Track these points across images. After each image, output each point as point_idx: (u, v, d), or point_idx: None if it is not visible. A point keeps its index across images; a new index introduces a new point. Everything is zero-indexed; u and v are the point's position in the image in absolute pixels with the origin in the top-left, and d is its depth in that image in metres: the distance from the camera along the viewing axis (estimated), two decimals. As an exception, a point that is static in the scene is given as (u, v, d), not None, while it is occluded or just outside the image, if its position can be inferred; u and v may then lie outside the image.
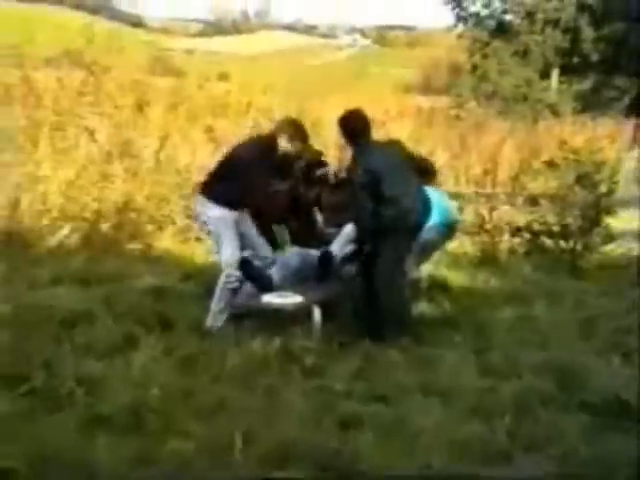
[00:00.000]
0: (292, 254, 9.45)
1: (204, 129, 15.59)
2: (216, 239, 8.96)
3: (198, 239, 12.60)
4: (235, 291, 8.82)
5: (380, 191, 8.50)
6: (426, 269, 10.59)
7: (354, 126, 8.93)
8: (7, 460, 5.46)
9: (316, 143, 10.84)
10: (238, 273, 8.76)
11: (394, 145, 9.13)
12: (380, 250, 8.65)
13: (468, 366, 7.85)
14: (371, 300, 8.68)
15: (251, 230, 9.07)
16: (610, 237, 12.69)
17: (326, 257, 9.26)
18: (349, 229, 9.38)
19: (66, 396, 6.61)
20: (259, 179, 8.68)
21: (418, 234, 8.88)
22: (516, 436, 6.27)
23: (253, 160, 8.69)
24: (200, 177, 13.37)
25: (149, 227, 12.84)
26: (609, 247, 12.76)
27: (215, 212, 8.80)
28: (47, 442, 5.72)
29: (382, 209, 8.50)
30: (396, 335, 8.31)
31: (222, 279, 8.77)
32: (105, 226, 12.49)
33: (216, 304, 8.77)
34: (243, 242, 8.92)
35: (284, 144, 8.80)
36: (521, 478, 4.98)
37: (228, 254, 8.78)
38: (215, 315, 8.76)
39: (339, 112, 9.04)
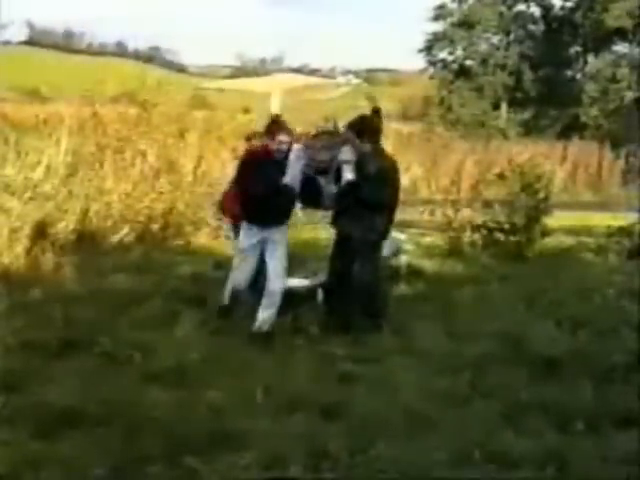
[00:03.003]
0: None
1: (231, 150, 15.55)
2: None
3: (227, 237, 12.59)
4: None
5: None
6: (405, 259, 10.58)
7: (375, 127, 8.19)
8: (83, 403, 5.55)
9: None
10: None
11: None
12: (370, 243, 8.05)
13: (438, 333, 7.87)
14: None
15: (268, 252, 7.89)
16: (547, 232, 12.73)
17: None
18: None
19: (126, 357, 6.65)
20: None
21: None
22: (475, 386, 6.30)
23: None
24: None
25: (188, 228, 12.84)
26: (546, 240, 12.79)
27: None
28: (112, 392, 5.78)
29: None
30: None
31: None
32: (154, 227, 12.51)
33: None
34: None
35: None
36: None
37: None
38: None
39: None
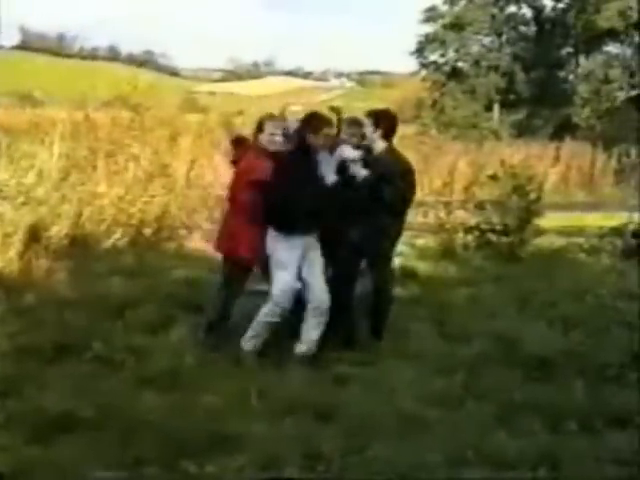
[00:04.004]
0: None
1: (224, 153, 15.56)
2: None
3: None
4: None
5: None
6: (398, 261, 10.57)
7: (393, 123, 7.64)
8: (78, 408, 5.51)
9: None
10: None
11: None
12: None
13: (431, 334, 7.88)
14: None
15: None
16: (539, 233, 12.76)
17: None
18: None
19: (120, 361, 6.64)
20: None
21: None
22: (468, 387, 6.32)
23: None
24: (221, 192, 13.50)
25: (182, 231, 12.84)
26: (538, 240, 12.82)
27: None
28: (107, 396, 5.76)
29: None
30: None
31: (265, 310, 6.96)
32: (148, 231, 12.49)
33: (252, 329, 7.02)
34: None
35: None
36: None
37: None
38: (248, 339, 7.02)
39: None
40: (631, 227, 13.23)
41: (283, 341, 7.15)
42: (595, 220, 16.13)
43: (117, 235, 11.93)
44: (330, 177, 6.88)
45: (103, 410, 5.50)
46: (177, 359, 6.65)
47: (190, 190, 13.87)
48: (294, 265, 6.83)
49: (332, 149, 7.25)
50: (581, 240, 13.68)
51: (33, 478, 4.67)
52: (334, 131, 7.12)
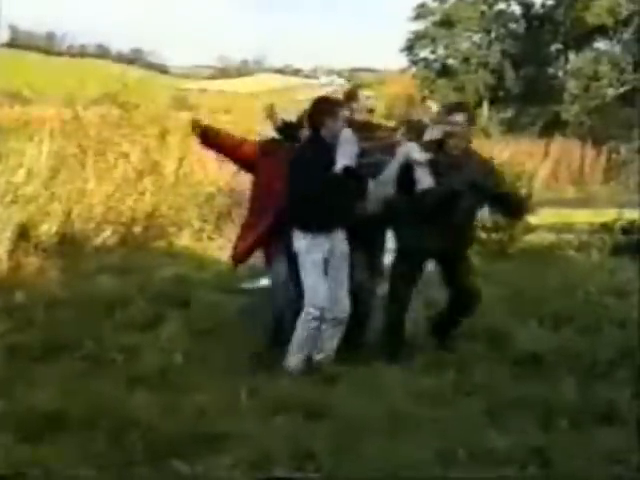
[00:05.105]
0: None
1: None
2: None
3: (210, 238, 12.60)
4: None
5: None
6: (389, 258, 10.53)
7: None
8: (67, 407, 5.48)
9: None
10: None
11: None
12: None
13: (421, 331, 7.86)
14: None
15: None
16: (529, 229, 12.75)
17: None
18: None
19: (110, 360, 6.63)
20: None
21: None
22: (458, 385, 6.31)
23: None
24: (211, 189, 13.47)
25: (171, 229, 12.80)
26: (528, 237, 12.82)
27: None
28: (97, 395, 5.72)
29: None
30: None
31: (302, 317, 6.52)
32: (137, 229, 12.48)
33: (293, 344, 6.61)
34: None
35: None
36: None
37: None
38: (293, 355, 6.63)
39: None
40: (621, 223, 13.25)
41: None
42: (585, 216, 16.15)
43: (107, 233, 11.91)
44: (347, 162, 6.28)
45: (93, 409, 5.47)
46: (167, 357, 6.64)
47: (180, 188, 13.84)
48: (320, 264, 6.41)
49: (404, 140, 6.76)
50: (571, 236, 13.69)
51: (23, 477, 4.64)
52: (346, 111, 6.49)
